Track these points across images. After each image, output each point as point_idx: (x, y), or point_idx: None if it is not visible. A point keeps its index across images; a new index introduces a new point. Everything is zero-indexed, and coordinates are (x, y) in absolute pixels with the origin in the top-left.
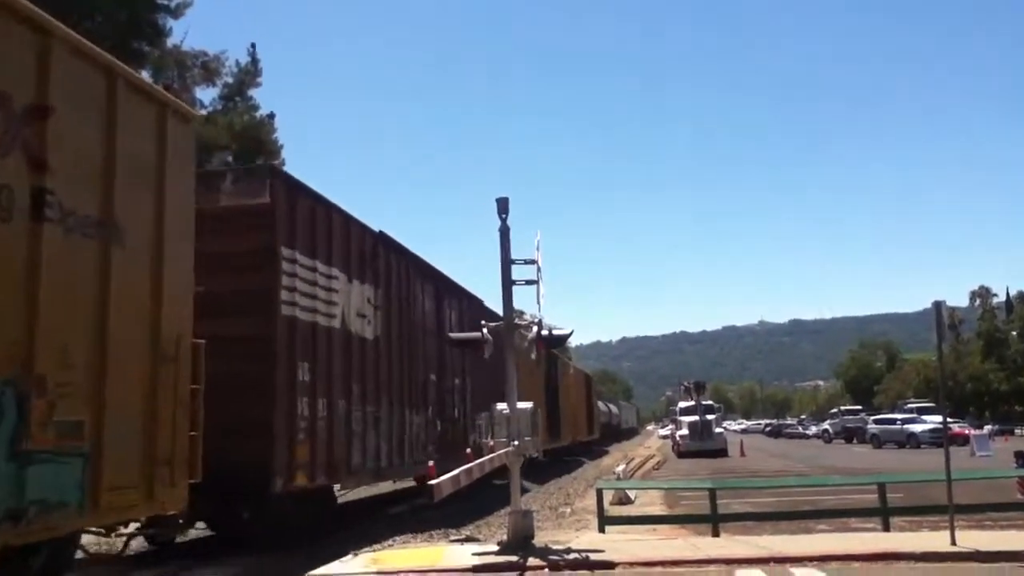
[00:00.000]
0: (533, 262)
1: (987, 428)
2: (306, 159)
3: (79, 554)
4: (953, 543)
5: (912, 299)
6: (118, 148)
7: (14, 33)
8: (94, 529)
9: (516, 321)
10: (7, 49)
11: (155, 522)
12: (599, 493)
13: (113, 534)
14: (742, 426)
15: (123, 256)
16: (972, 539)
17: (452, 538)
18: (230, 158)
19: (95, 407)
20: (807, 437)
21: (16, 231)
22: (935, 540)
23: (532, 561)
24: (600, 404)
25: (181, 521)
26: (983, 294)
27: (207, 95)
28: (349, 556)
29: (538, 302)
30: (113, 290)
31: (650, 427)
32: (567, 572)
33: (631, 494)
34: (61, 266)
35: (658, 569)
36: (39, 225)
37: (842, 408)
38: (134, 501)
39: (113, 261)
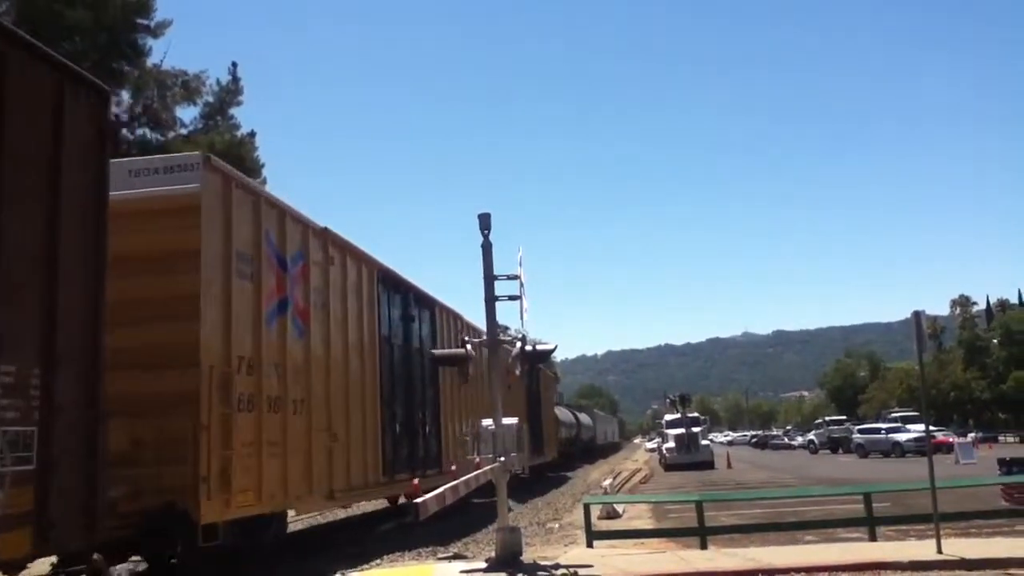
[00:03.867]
0: (516, 277)
1: (971, 436)
2: (288, 171)
3: None
4: (939, 551)
5: (895, 309)
6: None
7: None
8: None
9: (500, 336)
10: None
11: None
12: (586, 508)
13: None
14: (728, 438)
15: None
16: (958, 547)
17: (440, 556)
18: None
19: None
20: (793, 448)
21: None
22: (921, 549)
23: None
24: (560, 411)
25: None
26: (963, 303)
27: (188, 114)
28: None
29: (521, 317)
30: None
31: (637, 440)
32: None
33: (619, 508)
34: None
35: None
36: None
37: (827, 418)
38: None
39: None
